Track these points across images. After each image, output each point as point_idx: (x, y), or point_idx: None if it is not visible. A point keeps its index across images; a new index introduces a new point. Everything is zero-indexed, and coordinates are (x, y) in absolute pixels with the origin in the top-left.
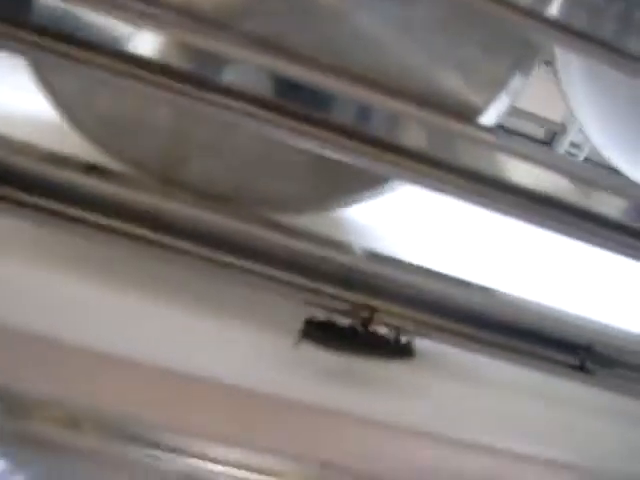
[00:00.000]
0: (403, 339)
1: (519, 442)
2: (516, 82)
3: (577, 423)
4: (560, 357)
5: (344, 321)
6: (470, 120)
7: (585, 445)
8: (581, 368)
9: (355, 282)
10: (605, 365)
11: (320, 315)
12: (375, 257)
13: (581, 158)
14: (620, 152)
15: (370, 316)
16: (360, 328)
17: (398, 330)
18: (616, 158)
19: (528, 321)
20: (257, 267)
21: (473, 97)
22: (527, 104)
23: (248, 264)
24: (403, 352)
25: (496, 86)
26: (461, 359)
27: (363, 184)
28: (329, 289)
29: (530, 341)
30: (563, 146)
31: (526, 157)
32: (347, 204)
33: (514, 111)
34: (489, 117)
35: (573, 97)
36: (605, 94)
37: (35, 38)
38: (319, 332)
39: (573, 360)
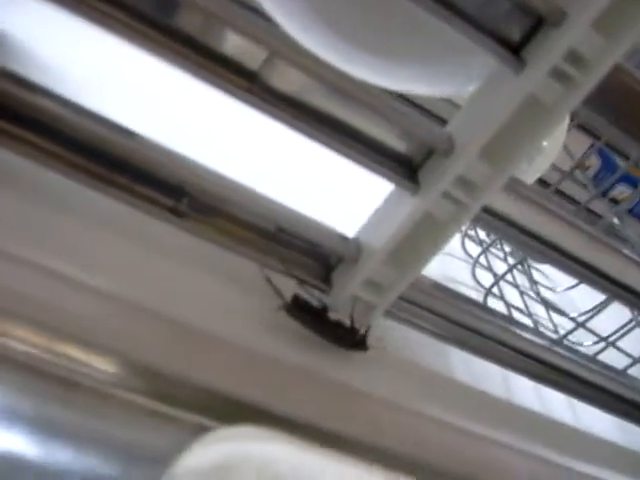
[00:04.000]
0: (362, 330)
1: None
2: None
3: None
4: (156, 197)
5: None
6: None
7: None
8: (175, 210)
9: None
10: (201, 211)
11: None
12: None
13: None
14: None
15: None
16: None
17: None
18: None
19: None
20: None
21: None
22: None
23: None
24: (360, 345)
25: None
26: None
27: None
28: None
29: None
30: None
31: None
32: None
33: None
34: None
35: None
36: None
37: None
38: (299, 310)
39: (168, 201)
